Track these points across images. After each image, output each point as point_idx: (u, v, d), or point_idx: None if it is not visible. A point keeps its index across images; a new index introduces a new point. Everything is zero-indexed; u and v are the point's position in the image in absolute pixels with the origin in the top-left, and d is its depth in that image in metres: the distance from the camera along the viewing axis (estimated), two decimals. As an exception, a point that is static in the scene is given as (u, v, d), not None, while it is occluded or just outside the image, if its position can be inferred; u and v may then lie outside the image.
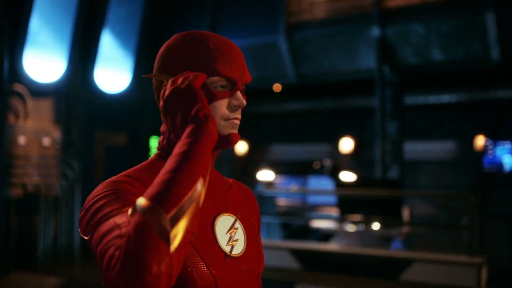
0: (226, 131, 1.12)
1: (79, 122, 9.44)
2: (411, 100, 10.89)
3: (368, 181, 6.72)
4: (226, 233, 1.13)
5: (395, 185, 6.50)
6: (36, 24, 8.58)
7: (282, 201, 9.89)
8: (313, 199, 10.22)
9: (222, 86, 1.11)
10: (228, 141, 1.12)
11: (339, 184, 6.42)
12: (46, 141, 8.74)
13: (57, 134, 8.95)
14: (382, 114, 8.80)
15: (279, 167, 11.95)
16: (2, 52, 7.02)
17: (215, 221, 1.13)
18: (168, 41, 1.15)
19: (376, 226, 5.52)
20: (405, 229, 5.88)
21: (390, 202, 5.56)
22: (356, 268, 4.61)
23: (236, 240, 1.14)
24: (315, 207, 9.39)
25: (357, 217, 5.52)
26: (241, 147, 13.94)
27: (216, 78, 1.09)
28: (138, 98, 10.55)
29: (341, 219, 5.83)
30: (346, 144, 12.77)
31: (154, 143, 10.96)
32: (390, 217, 5.49)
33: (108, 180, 1.06)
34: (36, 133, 8.59)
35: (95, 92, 9.83)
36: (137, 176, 1.08)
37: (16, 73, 8.23)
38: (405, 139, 9.52)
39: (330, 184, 9.71)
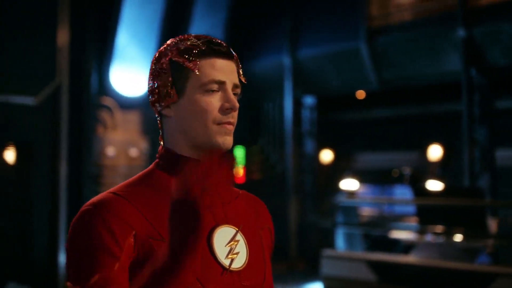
0: (218, 138, 1.08)
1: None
2: (504, 103, 10.24)
3: (449, 190, 6.35)
4: (226, 246, 1.07)
5: (477, 194, 6.08)
6: (123, 40, 8.97)
7: (366, 211, 9.65)
8: (398, 209, 9.88)
9: (212, 89, 1.08)
10: (220, 148, 1.08)
11: (418, 193, 6.15)
12: (133, 152, 9.09)
13: (144, 145, 9.29)
14: (470, 119, 8.33)
15: (364, 176, 11.66)
16: (91, 67, 7.40)
17: (214, 233, 1.07)
18: (163, 45, 1.14)
19: (458, 237, 5.20)
20: (491, 242, 5.50)
21: (473, 212, 5.23)
22: (436, 282, 4.39)
23: (237, 253, 1.08)
24: (399, 217, 9.07)
25: (438, 228, 5.24)
26: (326, 155, 13.75)
27: (204, 81, 1.06)
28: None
29: (421, 230, 5.57)
30: (435, 152, 12.27)
31: (239, 152, 11.06)
32: (473, 229, 5.16)
33: (86, 208, 1.03)
34: (124, 144, 8.96)
35: (179, 103, 10.12)
36: (125, 193, 1.06)
37: (104, 87, 8.64)
38: (498, 145, 8.96)
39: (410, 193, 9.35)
